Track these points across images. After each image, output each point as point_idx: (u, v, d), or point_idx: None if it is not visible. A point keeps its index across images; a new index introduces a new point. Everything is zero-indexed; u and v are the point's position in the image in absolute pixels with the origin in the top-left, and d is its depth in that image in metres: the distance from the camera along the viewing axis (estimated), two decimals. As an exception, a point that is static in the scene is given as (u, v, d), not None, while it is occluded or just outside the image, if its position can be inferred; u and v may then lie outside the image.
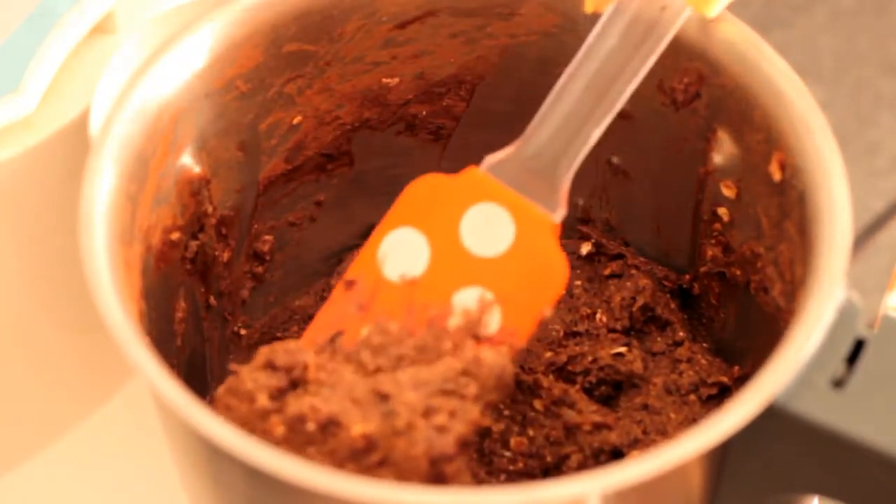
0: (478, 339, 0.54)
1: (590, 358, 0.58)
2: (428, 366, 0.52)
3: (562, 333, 0.59)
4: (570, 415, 0.55)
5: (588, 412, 0.55)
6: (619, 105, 0.53)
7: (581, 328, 0.59)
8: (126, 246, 0.51)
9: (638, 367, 0.57)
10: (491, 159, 0.54)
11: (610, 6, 0.53)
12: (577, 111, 0.53)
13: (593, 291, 0.60)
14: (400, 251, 0.55)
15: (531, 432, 0.55)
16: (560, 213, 0.54)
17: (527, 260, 0.54)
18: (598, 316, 0.59)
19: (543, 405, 0.55)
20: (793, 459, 0.47)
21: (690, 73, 0.55)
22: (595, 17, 0.54)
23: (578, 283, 0.61)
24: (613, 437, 0.55)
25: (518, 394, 0.56)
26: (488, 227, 0.54)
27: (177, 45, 0.54)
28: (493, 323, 0.54)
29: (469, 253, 0.54)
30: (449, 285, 0.55)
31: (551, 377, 0.57)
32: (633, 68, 0.53)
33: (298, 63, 0.57)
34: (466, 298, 0.54)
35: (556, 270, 0.54)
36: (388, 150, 0.61)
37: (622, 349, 0.58)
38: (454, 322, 0.54)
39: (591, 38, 0.53)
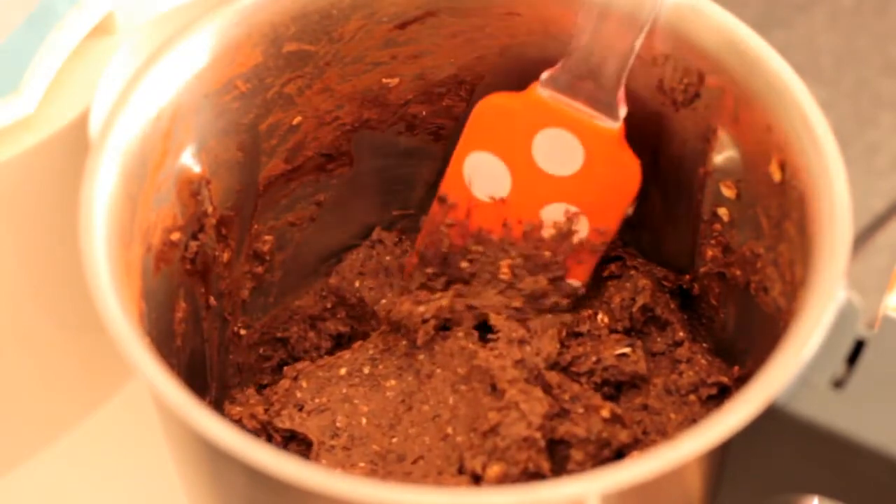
0: (571, 245, 0.59)
1: (593, 358, 0.58)
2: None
3: (563, 334, 0.59)
4: (592, 399, 0.55)
5: (604, 406, 0.56)
6: (654, 13, 0.54)
7: (583, 329, 0.59)
8: (126, 246, 0.51)
9: (642, 367, 0.57)
10: (547, 74, 0.56)
11: None
12: (614, 21, 0.54)
13: (592, 294, 0.60)
14: (482, 174, 0.58)
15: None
16: (621, 113, 0.56)
17: (600, 171, 0.57)
18: (599, 316, 0.59)
19: (558, 406, 0.55)
20: (793, 459, 0.47)
21: (690, 73, 0.55)
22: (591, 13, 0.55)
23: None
24: (623, 436, 0.55)
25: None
26: (558, 150, 0.57)
27: (176, 45, 0.54)
28: (583, 230, 0.58)
29: (546, 173, 0.58)
30: (535, 202, 0.58)
31: (561, 376, 0.57)
32: None
33: (298, 63, 0.57)
34: (553, 212, 0.58)
35: (628, 173, 0.57)
36: (388, 150, 0.61)
37: (626, 349, 0.58)
38: (547, 233, 0.59)
39: None
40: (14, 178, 0.58)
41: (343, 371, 0.57)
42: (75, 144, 0.57)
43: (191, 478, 0.53)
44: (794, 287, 0.51)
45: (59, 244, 0.60)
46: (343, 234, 0.63)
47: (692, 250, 0.59)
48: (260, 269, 0.61)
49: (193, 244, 0.56)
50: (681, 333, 0.59)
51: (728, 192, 0.55)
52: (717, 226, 0.57)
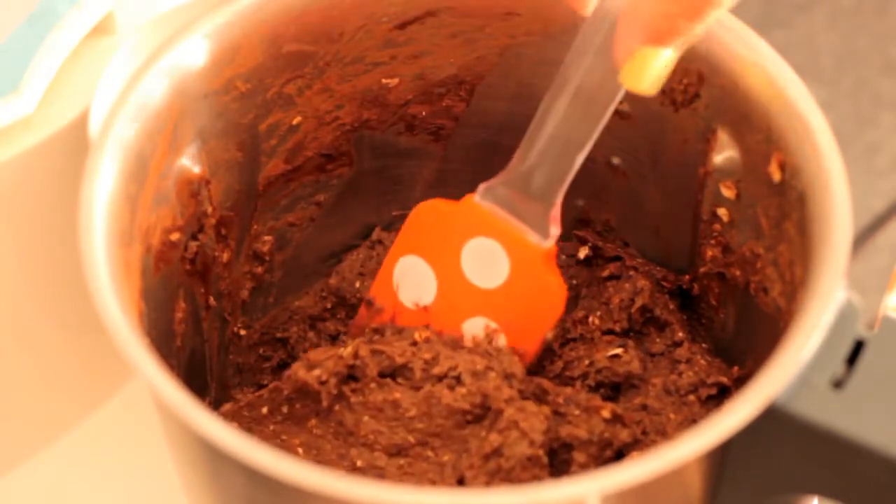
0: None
1: (586, 361, 0.58)
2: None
3: (557, 343, 0.59)
4: (591, 400, 0.55)
5: (605, 406, 0.55)
6: (596, 134, 0.53)
7: (574, 333, 0.59)
8: (126, 246, 0.51)
9: (635, 367, 0.57)
10: (485, 185, 0.56)
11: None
12: (558, 139, 0.54)
13: (591, 295, 0.60)
14: (410, 278, 0.58)
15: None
16: (553, 235, 0.55)
17: (524, 288, 0.56)
18: (590, 319, 0.59)
19: (551, 410, 0.55)
20: (793, 460, 0.47)
21: (690, 73, 0.55)
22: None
23: (575, 282, 0.61)
24: (624, 435, 0.55)
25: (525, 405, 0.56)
26: (486, 260, 0.57)
27: (176, 45, 0.54)
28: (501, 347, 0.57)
29: (471, 284, 0.57)
30: (458, 314, 0.58)
31: (553, 383, 0.57)
32: (602, 103, 0.53)
33: (298, 63, 0.57)
34: (474, 327, 0.57)
35: (552, 296, 0.56)
36: (388, 151, 0.61)
37: (618, 350, 0.58)
38: (466, 346, 0.57)
39: (559, 76, 0.53)
40: (14, 178, 0.58)
41: (265, 410, 0.56)
42: (75, 144, 0.57)
43: (191, 478, 0.52)
44: (794, 287, 0.51)
45: (59, 244, 0.60)
46: (343, 234, 0.63)
47: (692, 250, 0.59)
48: (260, 270, 0.61)
49: (193, 244, 0.56)
50: (680, 334, 0.59)
51: (728, 192, 0.55)
52: (717, 226, 0.57)
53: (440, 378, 0.55)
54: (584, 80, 0.53)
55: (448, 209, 0.57)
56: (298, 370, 0.55)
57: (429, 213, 0.57)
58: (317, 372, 0.55)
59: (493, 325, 0.57)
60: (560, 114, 0.53)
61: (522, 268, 0.56)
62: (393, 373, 0.55)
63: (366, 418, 0.55)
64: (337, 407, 0.55)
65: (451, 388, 0.55)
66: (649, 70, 0.49)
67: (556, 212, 0.55)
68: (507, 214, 0.56)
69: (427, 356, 0.55)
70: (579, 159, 0.54)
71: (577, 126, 0.53)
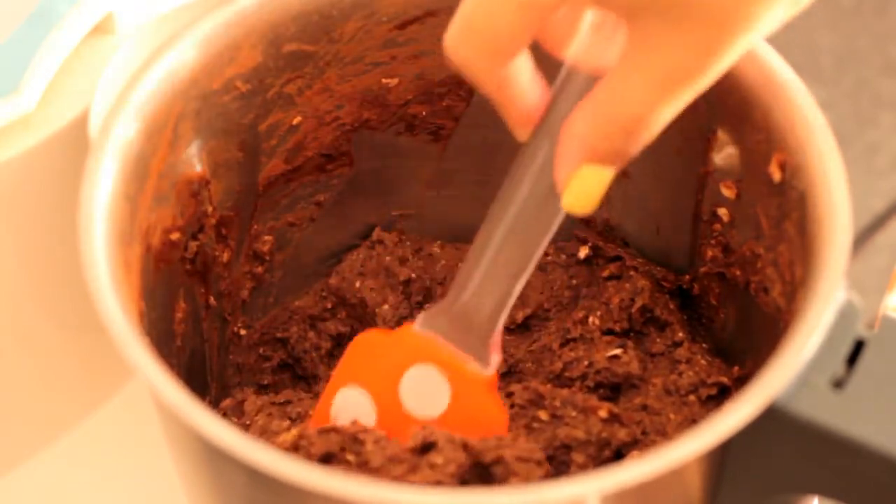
0: None
1: (585, 362, 0.58)
2: None
3: (557, 344, 0.59)
4: (587, 401, 0.55)
5: (602, 406, 0.55)
6: (535, 262, 0.52)
7: (574, 333, 0.59)
8: (126, 246, 0.51)
9: (634, 367, 0.57)
10: (424, 314, 0.54)
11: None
12: (495, 268, 0.52)
13: (591, 295, 0.60)
14: (349, 410, 0.55)
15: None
16: (493, 364, 0.53)
17: (464, 417, 0.54)
18: (590, 319, 0.59)
19: (549, 414, 0.55)
20: (793, 460, 0.47)
21: (690, 73, 0.55)
22: None
23: (575, 282, 0.61)
24: (622, 434, 0.55)
25: (519, 412, 0.55)
26: (426, 389, 0.54)
27: (176, 44, 0.54)
28: None
29: (410, 414, 0.55)
30: None
31: (549, 386, 0.57)
32: (540, 230, 0.51)
33: (298, 63, 0.57)
34: None
35: (493, 423, 0.54)
36: (388, 151, 0.61)
37: (617, 351, 0.58)
38: None
39: (496, 204, 0.51)
40: (14, 178, 0.58)
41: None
42: (75, 144, 0.57)
43: (191, 478, 0.52)
44: (794, 287, 0.51)
45: (59, 244, 0.60)
46: (343, 234, 0.63)
47: (692, 250, 0.59)
48: (260, 269, 0.61)
49: (193, 244, 0.56)
50: (680, 334, 0.59)
51: (728, 192, 0.55)
52: (717, 226, 0.57)
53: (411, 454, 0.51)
54: (522, 206, 0.51)
55: (387, 338, 0.55)
56: None
57: (368, 342, 0.55)
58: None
59: None
60: (498, 243, 0.51)
61: (463, 396, 0.54)
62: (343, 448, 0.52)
63: None
64: None
65: (415, 468, 0.51)
66: (592, 189, 0.48)
67: (497, 339, 0.53)
68: (447, 343, 0.53)
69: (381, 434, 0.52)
70: (518, 287, 0.52)
71: (516, 254, 0.51)
